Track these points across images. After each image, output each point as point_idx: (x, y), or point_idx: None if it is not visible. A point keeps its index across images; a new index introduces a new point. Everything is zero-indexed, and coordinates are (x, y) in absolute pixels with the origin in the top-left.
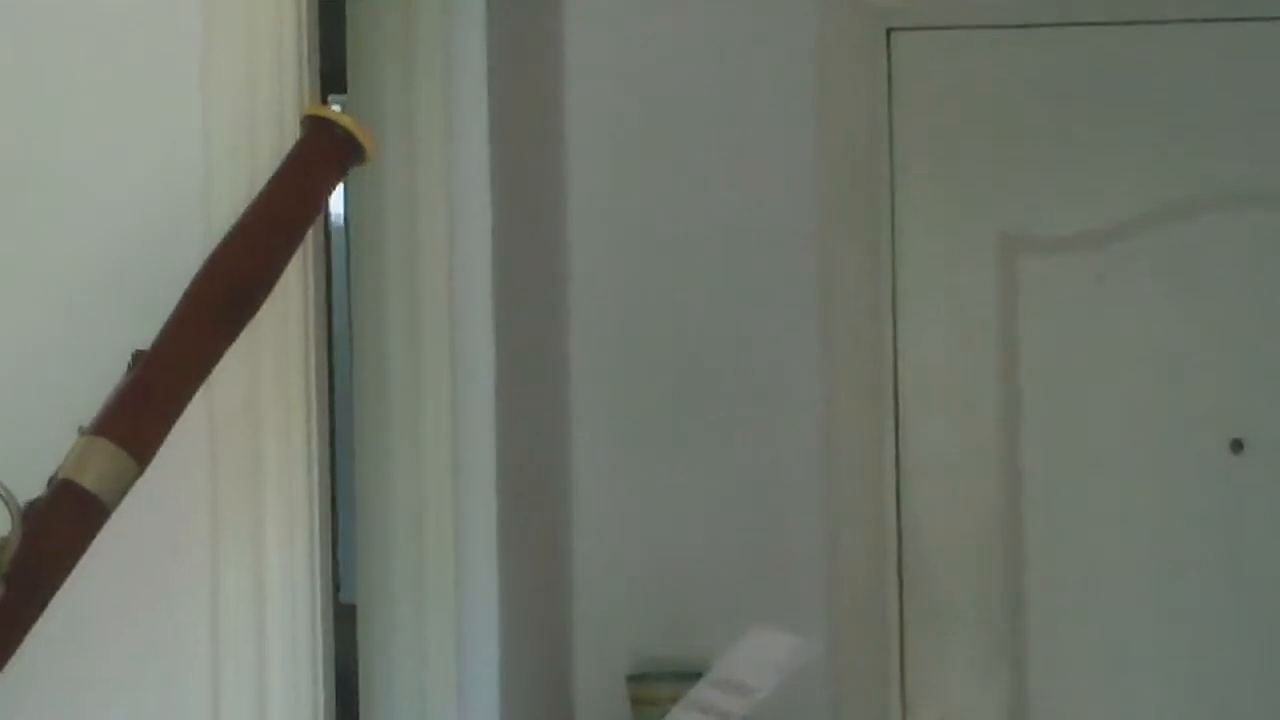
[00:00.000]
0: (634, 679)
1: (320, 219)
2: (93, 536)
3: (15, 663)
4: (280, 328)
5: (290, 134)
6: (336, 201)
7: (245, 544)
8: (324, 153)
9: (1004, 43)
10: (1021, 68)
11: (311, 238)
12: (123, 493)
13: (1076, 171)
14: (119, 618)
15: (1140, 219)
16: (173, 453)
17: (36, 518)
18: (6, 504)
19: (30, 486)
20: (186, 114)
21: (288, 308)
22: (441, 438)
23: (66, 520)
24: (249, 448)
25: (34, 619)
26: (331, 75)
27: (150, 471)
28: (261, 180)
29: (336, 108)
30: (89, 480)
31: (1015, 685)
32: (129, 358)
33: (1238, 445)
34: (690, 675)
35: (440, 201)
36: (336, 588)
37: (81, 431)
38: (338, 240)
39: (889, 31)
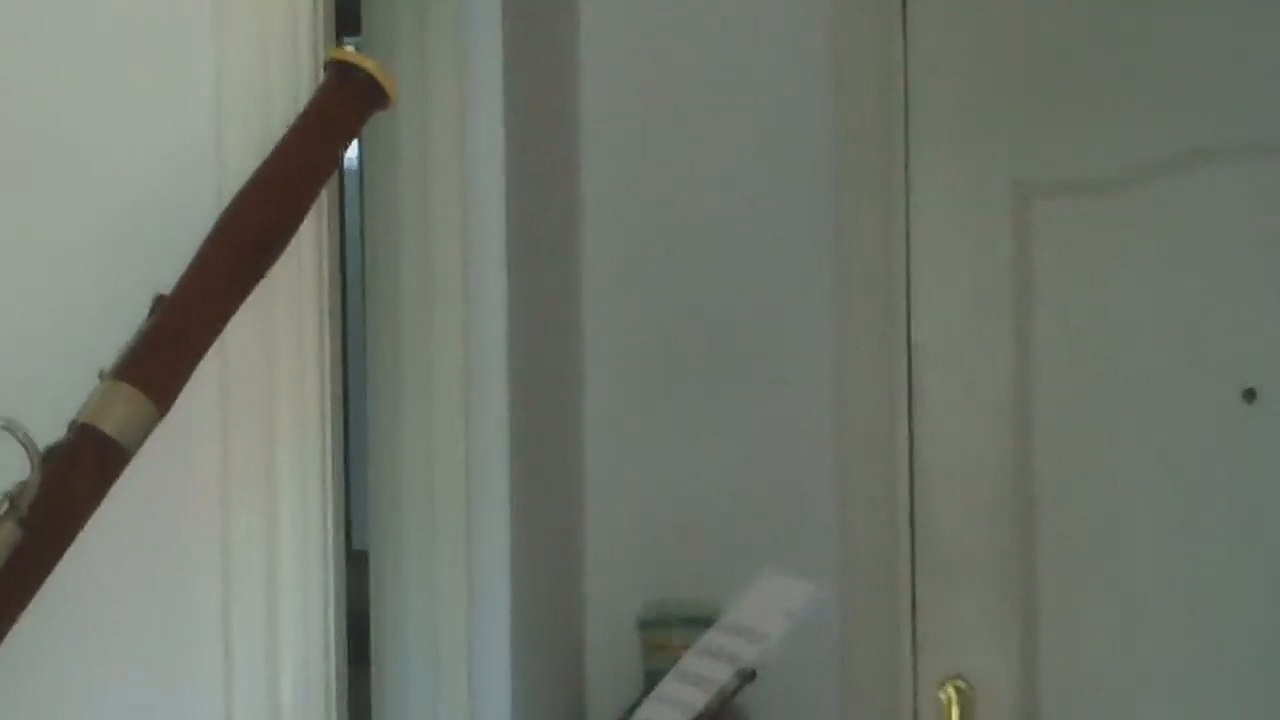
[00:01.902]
0: (646, 625)
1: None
2: (112, 481)
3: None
4: (294, 273)
5: (304, 76)
6: (350, 147)
7: (257, 490)
8: (346, 98)
9: None
10: (1038, 15)
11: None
12: (143, 438)
13: (1092, 121)
14: (130, 564)
15: (1155, 167)
16: (185, 399)
17: (56, 463)
18: (26, 448)
19: (50, 432)
20: (199, 56)
21: (301, 254)
22: (453, 385)
23: (86, 465)
24: (261, 394)
25: (53, 563)
26: (345, 16)
27: None
28: (275, 123)
29: (350, 48)
30: (109, 425)
31: (1026, 638)
32: (150, 302)
33: (1250, 394)
34: (702, 621)
35: (454, 145)
36: (349, 535)
37: (102, 376)
38: (351, 184)
39: None
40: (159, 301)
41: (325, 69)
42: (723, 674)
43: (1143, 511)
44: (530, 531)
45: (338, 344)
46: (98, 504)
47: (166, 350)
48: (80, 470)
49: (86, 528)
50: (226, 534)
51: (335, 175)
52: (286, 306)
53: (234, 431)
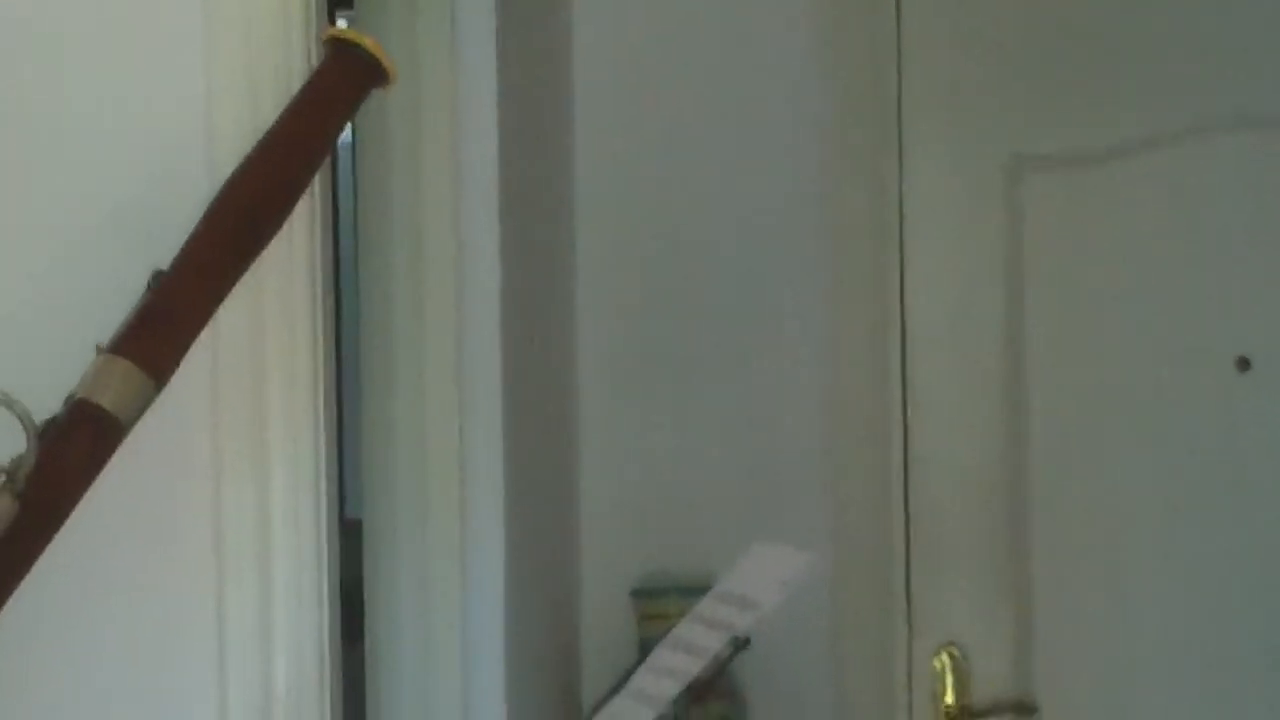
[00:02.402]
0: (639, 594)
1: None
2: (109, 456)
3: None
4: (285, 245)
5: (295, 52)
6: (347, 124)
7: (250, 461)
8: (345, 75)
9: None
10: None
11: None
12: (140, 412)
13: (1084, 94)
14: (122, 537)
15: (1147, 140)
16: (177, 371)
17: (53, 437)
18: (23, 422)
19: (47, 406)
20: (188, 31)
21: (293, 227)
22: (446, 353)
23: (83, 439)
24: (253, 364)
25: (49, 538)
26: None
27: None
28: (265, 98)
29: (343, 23)
30: (106, 399)
31: (1020, 609)
32: (148, 277)
33: (1244, 363)
34: (696, 590)
35: (446, 121)
36: (342, 503)
37: (99, 351)
38: (343, 159)
39: None
40: (156, 276)
41: (324, 46)
42: (716, 642)
43: (1136, 484)
44: (524, 500)
45: (330, 314)
46: (94, 478)
47: (163, 325)
48: (76, 444)
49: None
50: (219, 505)
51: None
52: (278, 278)
53: (226, 402)
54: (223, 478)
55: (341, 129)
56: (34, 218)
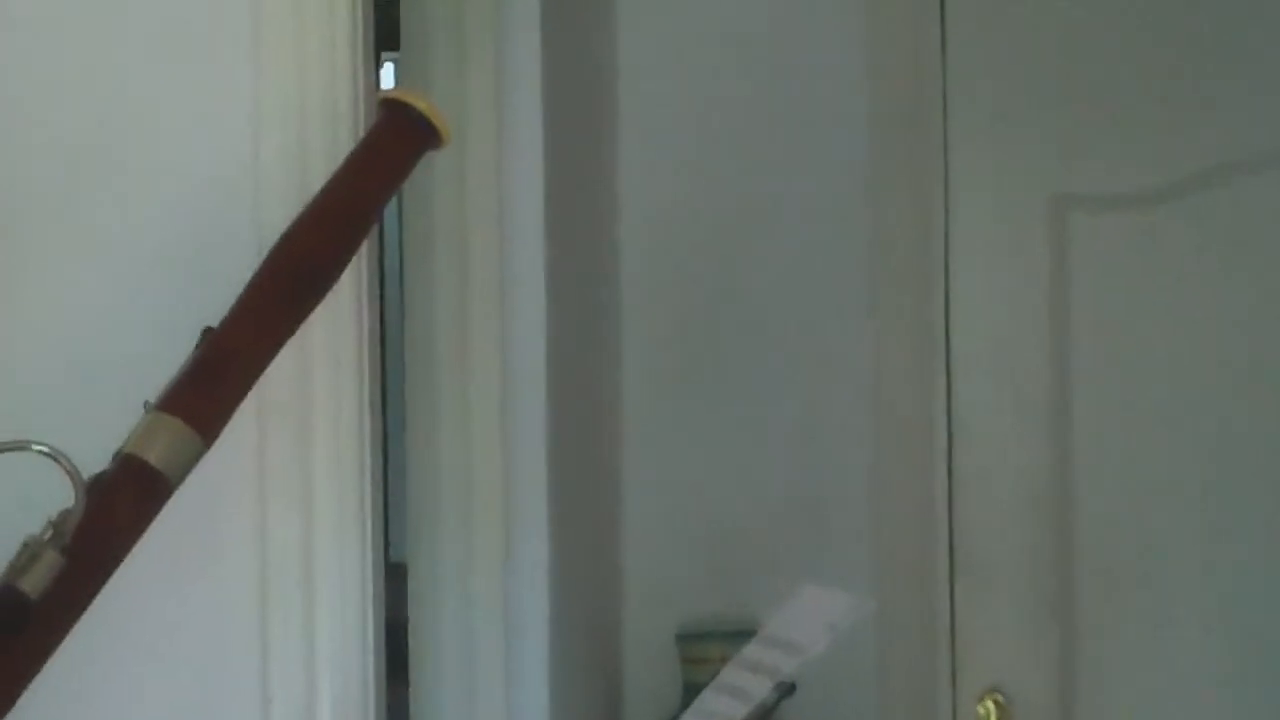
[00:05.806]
0: (684, 638)
1: None
2: (156, 512)
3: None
4: (333, 293)
5: (343, 101)
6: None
7: (296, 505)
8: (400, 137)
9: (1058, 1)
10: (1076, 26)
11: None
12: (187, 469)
13: (1131, 131)
14: (167, 581)
15: (1193, 178)
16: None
17: (100, 492)
18: (71, 477)
19: (96, 462)
20: (236, 82)
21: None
22: (491, 397)
23: (130, 495)
24: (299, 407)
25: (95, 592)
26: (383, 34)
27: None
28: (313, 149)
29: (389, 66)
30: (154, 456)
31: (1064, 645)
32: (198, 334)
33: None
34: (741, 635)
35: (491, 156)
36: (387, 547)
37: (148, 407)
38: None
39: None
40: (206, 333)
41: (379, 107)
42: (762, 687)
43: (1182, 523)
44: (568, 545)
45: (376, 355)
46: (140, 533)
47: (212, 383)
48: (123, 500)
49: None
50: (264, 547)
51: None
52: (324, 320)
53: (271, 445)
54: (268, 517)
55: (395, 189)
56: (81, 274)
